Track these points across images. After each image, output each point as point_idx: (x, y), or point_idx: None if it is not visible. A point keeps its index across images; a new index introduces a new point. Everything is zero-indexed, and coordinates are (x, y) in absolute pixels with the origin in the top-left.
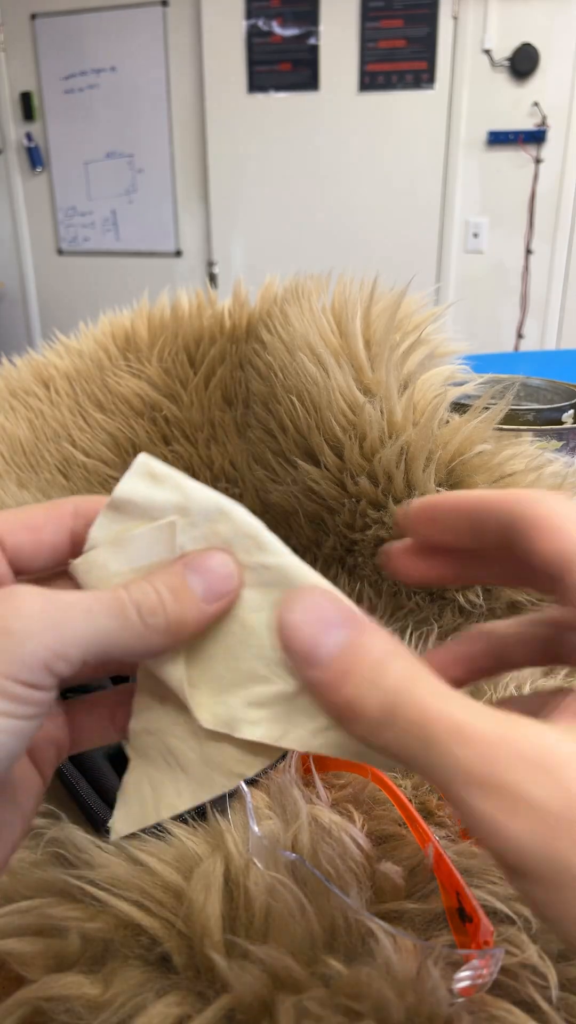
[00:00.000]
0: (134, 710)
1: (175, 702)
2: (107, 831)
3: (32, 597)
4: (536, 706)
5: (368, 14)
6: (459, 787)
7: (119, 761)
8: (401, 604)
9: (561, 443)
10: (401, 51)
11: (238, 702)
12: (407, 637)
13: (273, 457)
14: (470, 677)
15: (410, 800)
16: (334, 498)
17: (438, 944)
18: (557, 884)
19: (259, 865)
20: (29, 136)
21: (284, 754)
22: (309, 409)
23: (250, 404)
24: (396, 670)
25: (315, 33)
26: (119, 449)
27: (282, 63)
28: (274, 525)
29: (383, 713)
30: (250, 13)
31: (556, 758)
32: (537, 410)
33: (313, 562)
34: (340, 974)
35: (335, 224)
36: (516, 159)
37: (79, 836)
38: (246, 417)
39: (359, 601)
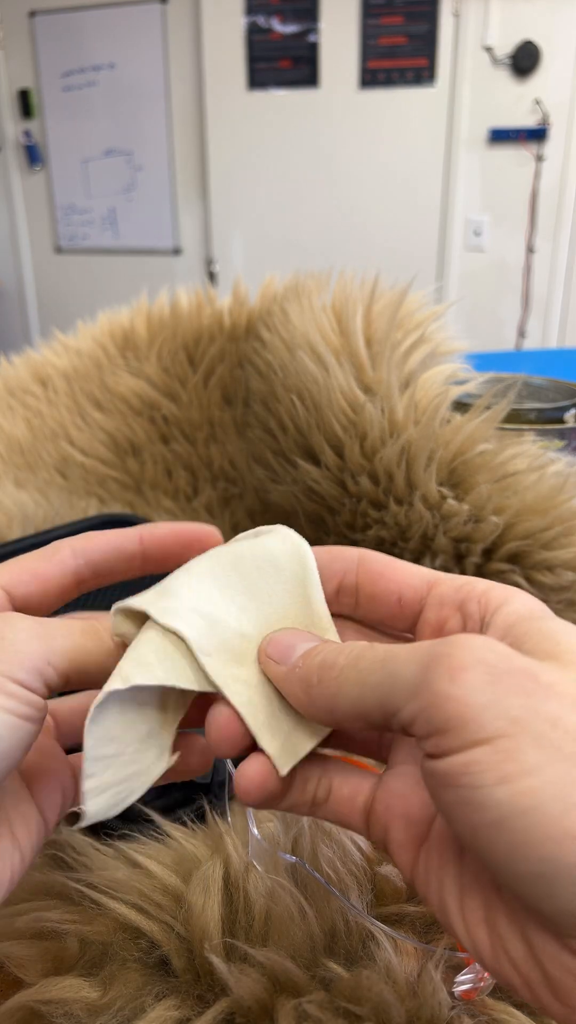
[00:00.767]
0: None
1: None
2: (106, 834)
3: (22, 618)
4: None
5: (368, 11)
6: (408, 678)
7: None
8: None
9: (563, 442)
10: (402, 48)
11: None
12: None
13: (273, 456)
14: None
15: None
16: (334, 498)
17: (439, 947)
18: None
19: (259, 868)
20: (27, 134)
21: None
22: (309, 408)
23: (250, 403)
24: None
25: (315, 30)
26: (117, 448)
27: (282, 60)
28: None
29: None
30: (250, 9)
31: (484, 638)
32: (539, 409)
33: None
34: (340, 977)
35: (335, 222)
36: (518, 157)
37: (77, 839)
38: (246, 416)
39: None
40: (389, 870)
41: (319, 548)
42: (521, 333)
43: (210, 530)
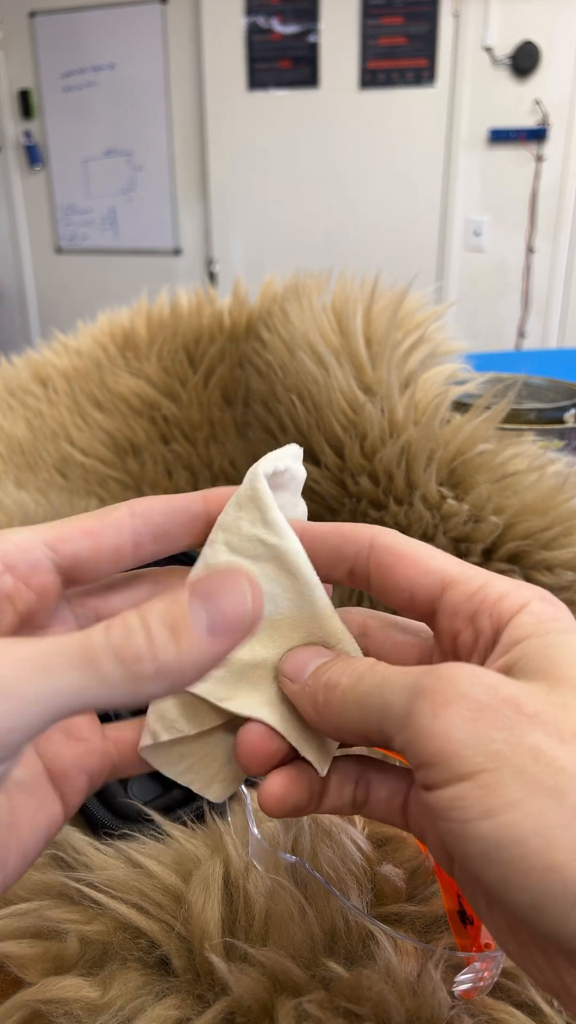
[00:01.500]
0: None
1: None
2: (106, 834)
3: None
4: None
5: (368, 11)
6: (398, 709)
7: None
8: None
9: (563, 442)
10: (402, 48)
11: None
12: None
13: None
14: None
15: None
16: (335, 498)
17: (439, 947)
18: (485, 766)
19: (259, 867)
20: (28, 134)
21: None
22: (309, 408)
23: (250, 403)
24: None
25: (315, 30)
26: (118, 448)
27: (282, 60)
28: None
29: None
30: (250, 10)
31: (471, 669)
32: (539, 409)
33: None
34: (340, 977)
35: (335, 222)
36: (517, 157)
37: (78, 838)
38: (246, 416)
39: (359, 602)
40: (389, 870)
41: (329, 526)
42: (521, 333)
43: None
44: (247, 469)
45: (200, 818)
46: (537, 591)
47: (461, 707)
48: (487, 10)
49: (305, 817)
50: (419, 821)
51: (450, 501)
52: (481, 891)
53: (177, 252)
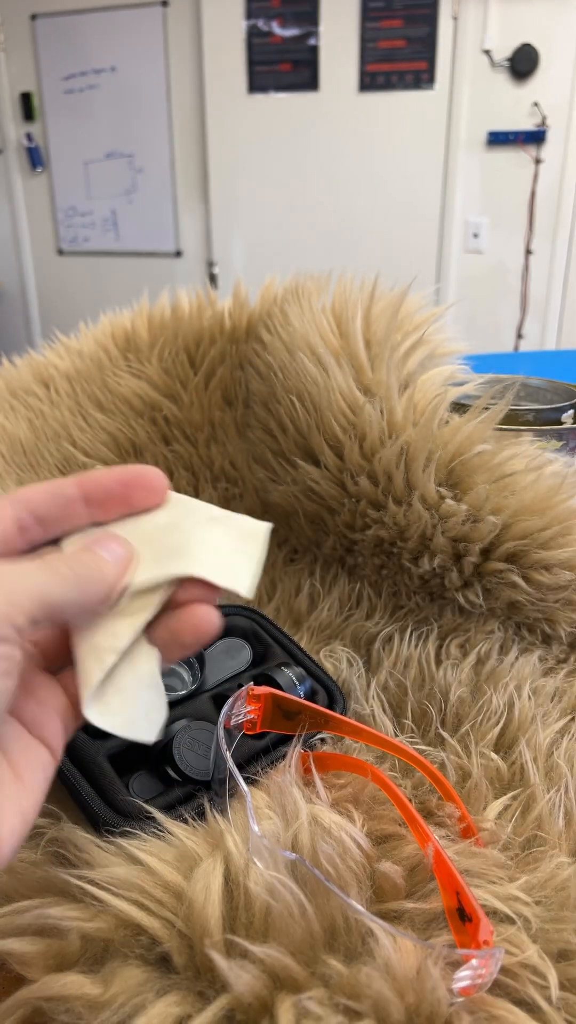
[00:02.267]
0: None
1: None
2: (108, 831)
3: None
4: None
5: (368, 14)
6: None
7: (119, 761)
8: (401, 604)
9: (561, 443)
10: (401, 51)
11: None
12: (407, 637)
13: (273, 457)
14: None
15: (410, 800)
16: (334, 498)
17: (438, 944)
18: None
19: (259, 865)
20: (29, 136)
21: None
22: (309, 409)
23: (250, 404)
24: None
25: (315, 33)
26: (119, 449)
27: (282, 63)
28: (274, 525)
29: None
30: (250, 13)
31: None
32: (537, 410)
33: (313, 562)
34: (340, 974)
35: (335, 224)
36: (516, 159)
37: (79, 836)
38: (246, 417)
39: (358, 602)
40: (388, 867)
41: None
42: (519, 334)
43: (153, 472)
44: (247, 469)
45: (201, 816)
46: None
47: None
48: (486, 13)
49: (305, 815)
50: None
51: (448, 501)
52: None
53: (178, 254)
